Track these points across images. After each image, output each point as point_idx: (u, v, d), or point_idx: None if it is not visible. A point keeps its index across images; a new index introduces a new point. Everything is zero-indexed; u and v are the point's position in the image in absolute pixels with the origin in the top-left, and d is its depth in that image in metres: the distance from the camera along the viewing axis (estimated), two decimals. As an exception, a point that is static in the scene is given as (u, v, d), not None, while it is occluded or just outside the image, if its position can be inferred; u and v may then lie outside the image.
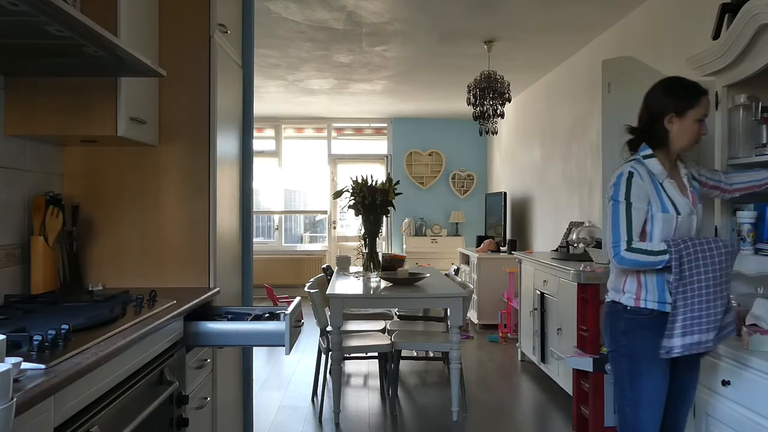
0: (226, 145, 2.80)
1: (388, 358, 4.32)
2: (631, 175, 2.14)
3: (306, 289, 4.15)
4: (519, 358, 5.39)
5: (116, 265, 2.56)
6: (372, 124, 9.43)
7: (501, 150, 8.29)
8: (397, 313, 5.11)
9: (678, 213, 2.13)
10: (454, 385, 3.87)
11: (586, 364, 3.31)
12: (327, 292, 3.98)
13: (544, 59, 5.73)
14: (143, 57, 1.97)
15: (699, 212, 2.22)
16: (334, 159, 9.39)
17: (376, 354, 4.50)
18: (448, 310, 4.12)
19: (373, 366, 5.14)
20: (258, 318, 2.33)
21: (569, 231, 4.98)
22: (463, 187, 9.21)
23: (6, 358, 1.13)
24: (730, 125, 2.38)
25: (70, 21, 1.56)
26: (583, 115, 5.27)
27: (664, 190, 2.15)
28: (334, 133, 9.43)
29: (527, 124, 7.11)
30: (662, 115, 2.17)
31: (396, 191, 4.61)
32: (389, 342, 4.07)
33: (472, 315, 6.74)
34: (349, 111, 8.63)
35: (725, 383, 2.15)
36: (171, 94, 2.57)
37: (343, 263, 5.11)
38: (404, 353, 4.74)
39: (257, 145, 7.24)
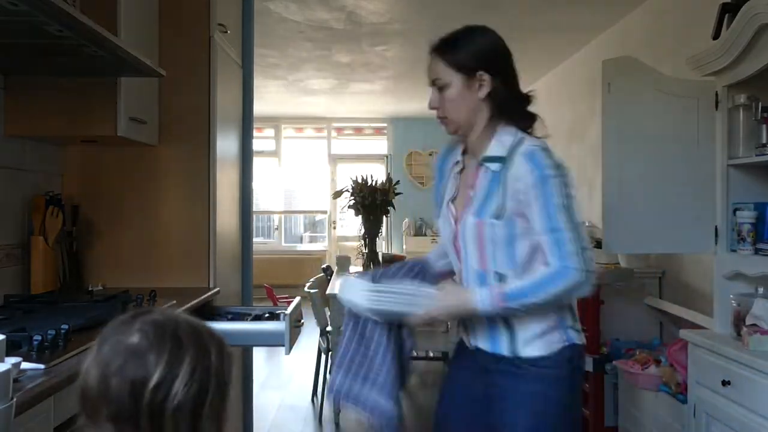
0: (226, 145, 2.80)
1: (388, 358, 4.31)
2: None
3: (306, 289, 4.15)
4: (519, 358, 5.37)
5: (116, 265, 2.56)
6: (372, 124, 9.43)
7: (501, 150, 8.28)
8: (397, 313, 5.10)
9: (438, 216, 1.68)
10: (454, 385, 3.85)
11: (587, 364, 3.30)
12: (327, 292, 3.97)
13: (543, 59, 5.72)
14: (143, 57, 1.97)
15: (469, 231, 1.54)
16: (334, 159, 9.39)
17: (376, 354, 4.49)
18: (448, 310, 4.11)
19: (373, 366, 5.12)
20: (258, 318, 2.33)
21: (569, 231, 4.97)
22: (463, 187, 9.19)
23: (6, 358, 1.13)
24: (730, 125, 2.37)
25: (70, 21, 1.56)
26: (583, 115, 5.26)
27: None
28: (334, 133, 9.43)
29: (527, 124, 7.10)
30: None
31: (396, 191, 4.61)
32: (389, 342, 4.06)
33: (472, 315, 6.73)
34: (348, 111, 8.63)
35: (725, 383, 2.15)
36: (171, 94, 2.57)
37: (343, 263, 5.10)
38: (404, 353, 4.73)
39: (257, 145, 7.21)
